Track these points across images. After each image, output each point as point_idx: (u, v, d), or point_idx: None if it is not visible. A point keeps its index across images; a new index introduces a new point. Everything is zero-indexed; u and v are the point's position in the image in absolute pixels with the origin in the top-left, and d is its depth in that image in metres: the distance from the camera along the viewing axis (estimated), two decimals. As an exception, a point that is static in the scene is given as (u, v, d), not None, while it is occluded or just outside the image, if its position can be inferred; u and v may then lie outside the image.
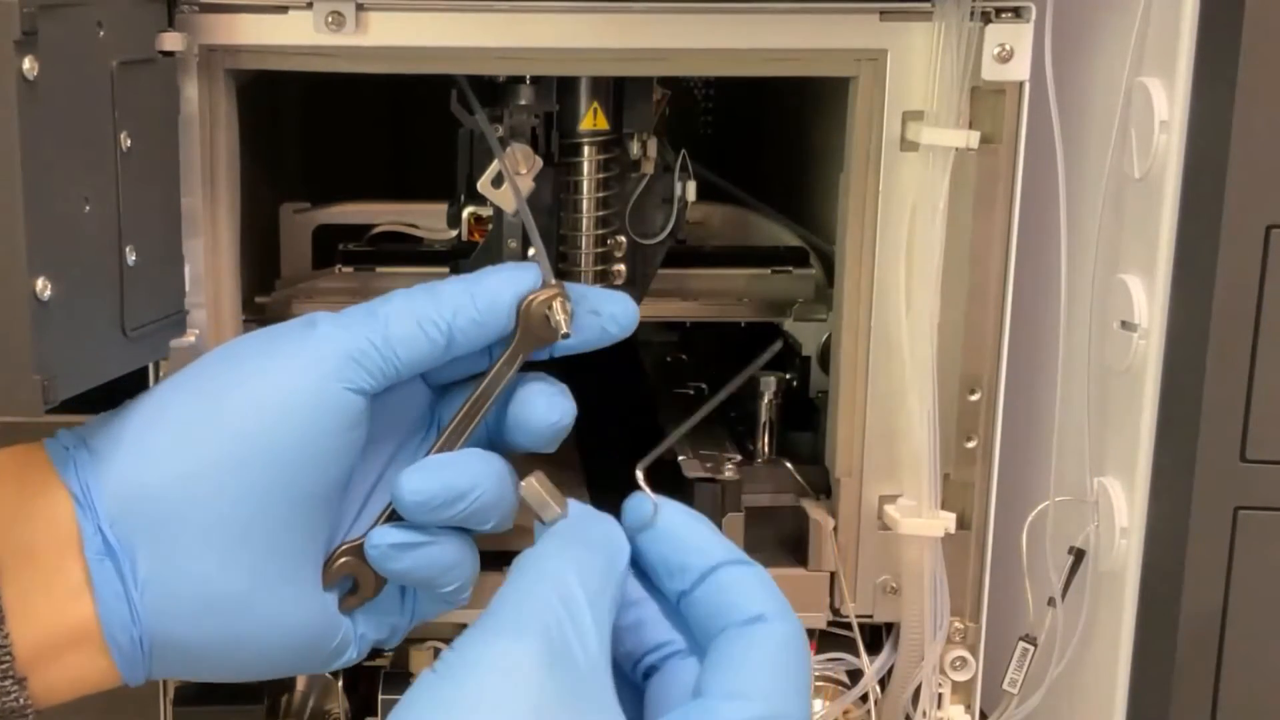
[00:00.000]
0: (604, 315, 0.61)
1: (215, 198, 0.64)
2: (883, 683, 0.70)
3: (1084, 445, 0.68)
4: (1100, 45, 0.68)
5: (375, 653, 0.63)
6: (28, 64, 0.49)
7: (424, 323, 0.57)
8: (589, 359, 0.71)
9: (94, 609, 0.55)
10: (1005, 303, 0.67)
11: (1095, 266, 0.67)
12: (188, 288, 0.63)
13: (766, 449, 0.75)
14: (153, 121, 0.59)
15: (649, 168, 0.70)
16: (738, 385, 0.69)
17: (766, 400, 0.75)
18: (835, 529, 0.69)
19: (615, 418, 0.89)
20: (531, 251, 0.69)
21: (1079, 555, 0.68)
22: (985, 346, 0.67)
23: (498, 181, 0.67)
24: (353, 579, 0.59)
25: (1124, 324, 0.65)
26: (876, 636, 0.70)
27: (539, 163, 0.67)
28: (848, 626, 0.69)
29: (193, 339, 0.64)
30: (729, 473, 0.71)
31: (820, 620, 0.70)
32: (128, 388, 0.59)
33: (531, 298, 0.59)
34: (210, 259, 0.64)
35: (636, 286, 0.71)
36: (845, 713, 0.70)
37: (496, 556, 0.64)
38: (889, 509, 0.68)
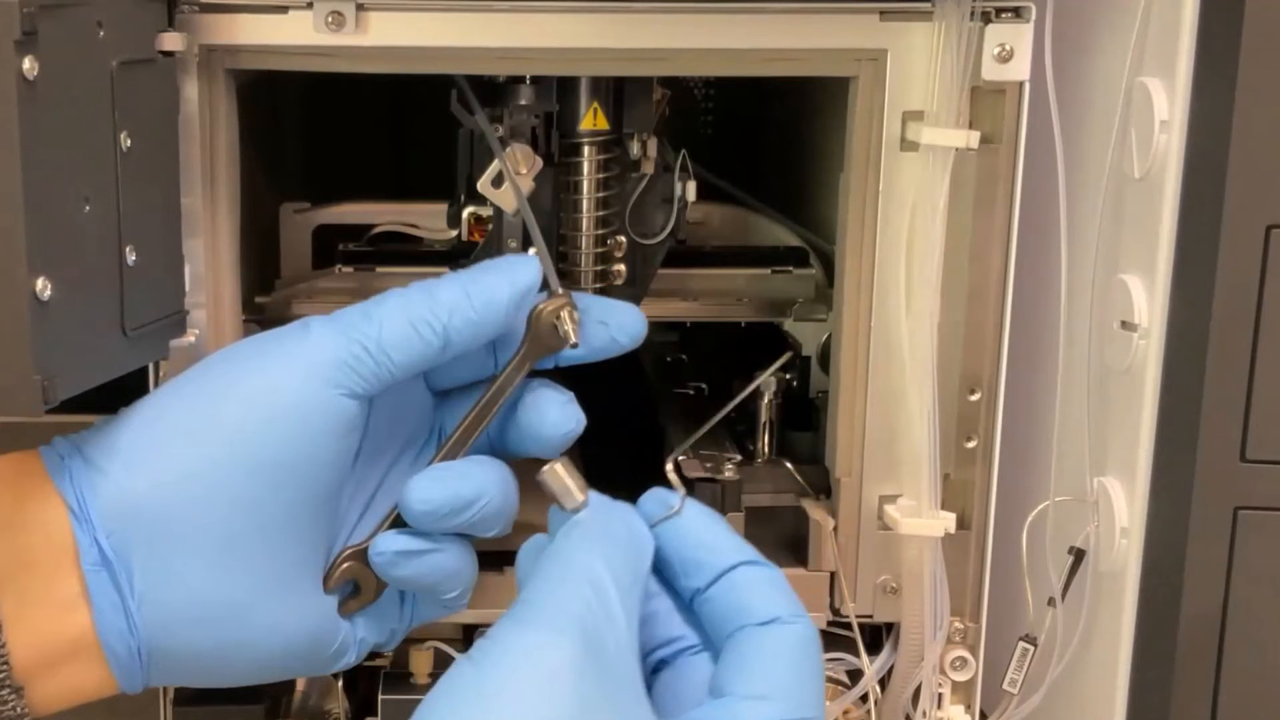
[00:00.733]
0: (612, 325, 0.61)
1: (215, 198, 0.64)
2: (883, 683, 0.70)
3: (1084, 445, 0.68)
4: (1100, 45, 0.68)
5: (375, 653, 0.63)
6: (28, 64, 0.49)
7: (419, 324, 0.57)
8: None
9: (91, 620, 0.55)
10: (1005, 303, 0.67)
11: (1095, 266, 0.67)
12: (188, 288, 0.63)
13: (766, 449, 0.75)
14: (153, 121, 0.59)
15: (649, 168, 0.70)
16: (748, 391, 0.69)
17: (766, 400, 0.75)
18: (835, 529, 0.69)
19: (615, 418, 0.89)
20: (532, 251, 0.69)
21: (1079, 555, 0.68)
22: (985, 346, 0.67)
23: (498, 181, 0.67)
24: (354, 583, 0.59)
25: (1124, 324, 0.65)
26: (876, 636, 0.70)
27: (539, 163, 0.67)
28: (848, 626, 0.69)
29: (193, 339, 0.64)
30: (729, 473, 0.71)
31: (820, 620, 0.70)
32: (128, 388, 0.59)
33: (541, 307, 0.59)
34: (210, 259, 0.64)
35: (636, 286, 0.72)
36: (845, 713, 0.70)
37: (496, 556, 0.65)
38: (889, 509, 0.68)
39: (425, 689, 0.68)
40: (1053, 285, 0.69)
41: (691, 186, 0.71)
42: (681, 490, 0.56)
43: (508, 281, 0.58)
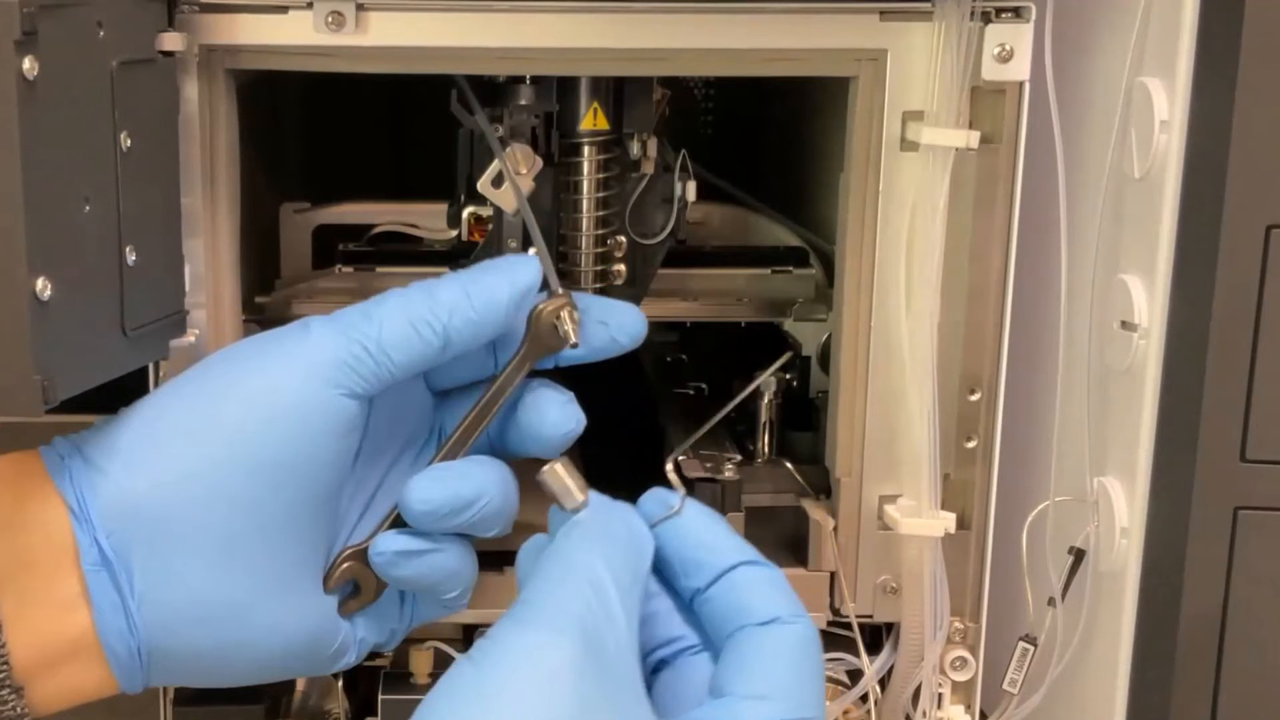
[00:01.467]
0: (612, 325, 0.61)
1: (215, 198, 0.64)
2: (883, 683, 0.70)
3: (1084, 445, 0.68)
4: (1100, 45, 0.68)
5: (375, 653, 0.63)
6: (28, 64, 0.49)
7: (419, 324, 0.57)
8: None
9: (91, 620, 0.55)
10: (1005, 303, 0.67)
11: (1095, 266, 0.67)
12: (188, 288, 0.63)
13: (766, 449, 0.75)
14: (153, 121, 0.59)
15: (649, 168, 0.70)
16: (748, 392, 0.69)
17: (766, 400, 0.75)
18: (835, 529, 0.69)
19: (615, 418, 0.89)
20: (532, 250, 0.69)
21: (1079, 555, 0.68)
22: (985, 346, 0.67)
23: (498, 181, 0.67)
24: (354, 583, 0.59)
25: (1124, 324, 0.65)
26: (876, 636, 0.70)
27: (539, 163, 0.67)
28: (848, 626, 0.69)
29: (193, 339, 0.64)
30: (729, 473, 0.71)
31: (820, 620, 0.70)
32: (128, 388, 0.59)
33: (541, 307, 0.59)
34: (210, 259, 0.64)
35: (636, 286, 0.71)
36: (845, 713, 0.70)
37: (496, 556, 0.65)
38: (889, 509, 0.68)
39: (425, 689, 0.68)
40: (1053, 285, 0.69)
41: (691, 186, 0.71)
42: (681, 490, 0.56)
43: (508, 281, 0.58)
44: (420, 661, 0.69)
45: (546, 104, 0.67)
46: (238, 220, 0.66)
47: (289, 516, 0.56)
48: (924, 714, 0.69)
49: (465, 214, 0.72)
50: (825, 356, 0.74)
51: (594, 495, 0.55)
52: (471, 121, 0.67)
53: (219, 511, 0.55)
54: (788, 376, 0.76)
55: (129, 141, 0.56)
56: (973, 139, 0.64)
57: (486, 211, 0.70)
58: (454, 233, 0.74)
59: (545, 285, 0.60)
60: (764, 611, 0.52)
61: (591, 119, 0.68)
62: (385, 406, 0.59)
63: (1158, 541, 0.64)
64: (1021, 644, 0.69)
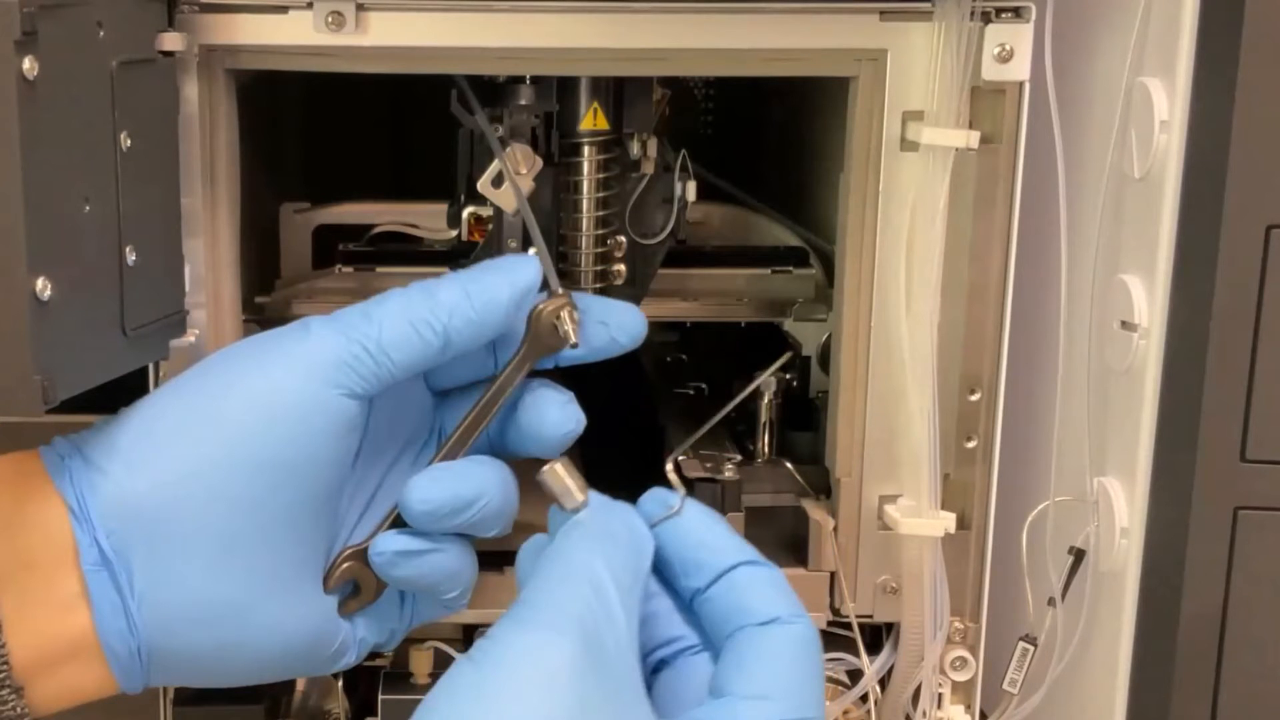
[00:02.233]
0: (612, 325, 0.61)
1: (215, 198, 0.64)
2: (883, 683, 0.70)
3: (1084, 445, 0.68)
4: (1100, 45, 0.68)
5: (375, 653, 0.63)
6: (28, 64, 0.49)
7: (419, 324, 0.57)
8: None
9: (91, 620, 0.55)
10: (1005, 303, 0.67)
11: (1095, 266, 0.67)
12: (188, 288, 0.63)
13: (766, 449, 0.75)
14: (153, 121, 0.59)
15: (649, 168, 0.70)
16: (749, 391, 0.69)
17: (766, 400, 0.75)
18: (835, 529, 0.69)
19: (615, 417, 0.89)
20: (532, 250, 0.69)
21: (1079, 555, 0.68)
22: (985, 346, 0.67)
23: (498, 181, 0.67)
24: (354, 583, 0.59)
25: (1124, 324, 0.65)
26: (876, 636, 0.70)
27: (539, 163, 0.67)
28: (848, 626, 0.69)
29: (193, 339, 0.64)
30: (729, 473, 0.71)
31: (820, 620, 0.70)
32: (128, 387, 0.59)
33: (541, 307, 0.59)
34: (210, 259, 0.64)
35: (636, 286, 0.71)
36: (845, 713, 0.70)
37: (496, 556, 0.64)
38: (889, 509, 0.68)
39: (425, 689, 0.68)
40: (1053, 285, 0.69)
41: (691, 186, 0.71)
42: (681, 490, 0.56)
43: (508, 281, 0.58)
44: (420, 661, 0.69)
45: (546, 104, 0.67)
46: (238, 220, 0.66)
47: (289, 516, 0.56)
48: (924, 714, 0.69)
49: (465, 214, 0.72)
50: (825, 356, 0.74)
51: (594, 495, 0.55)
52: (471, 121, 0.67)
53: (219, 511, 0.55)
54: (788, 376, 0.76)
55: (129, 141, 0.56)
56: (973, 139, 0.64)
57: (486, 211, 0.70)
58: (454, 233, 0.74)
59: (545, 285, 0.60)
60: (764, 611, 0.53)
61: (591, 119, 0.68)
62: (385, 406, 0.59)
63: (1158, 541, 0.64)
64: (1021, 644, 0.69)
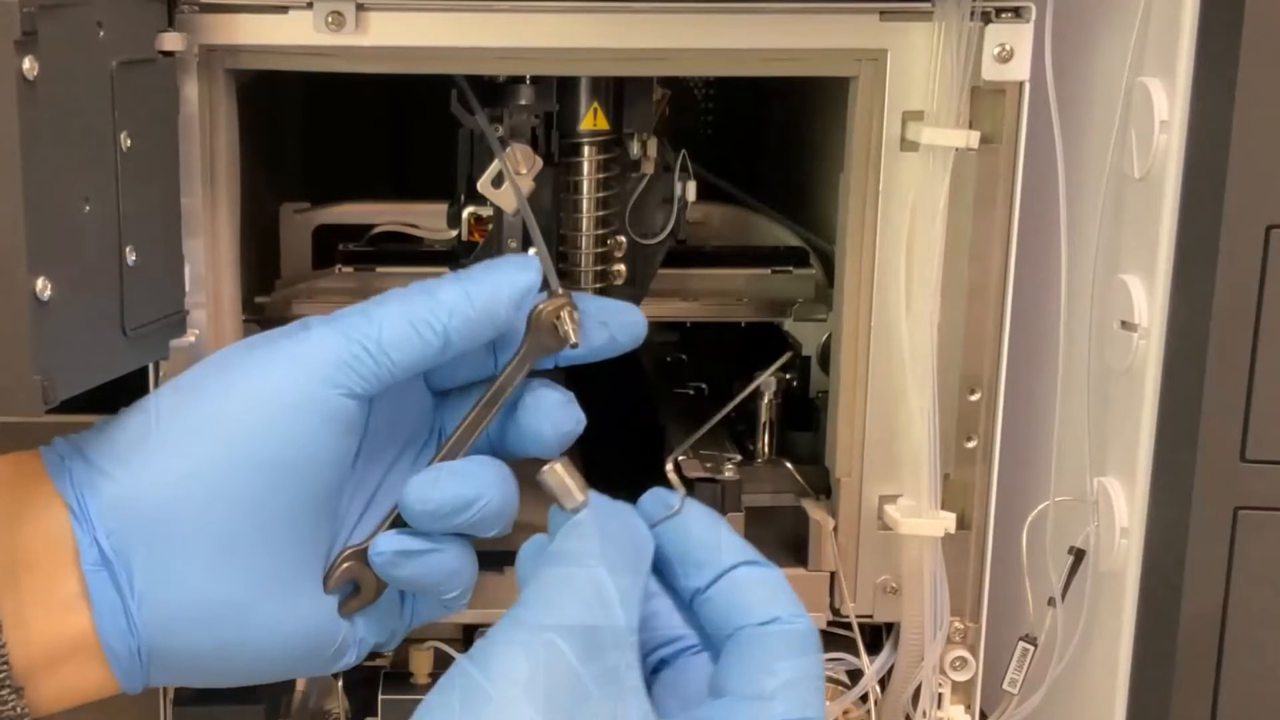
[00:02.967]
0: (613, 325, 0.61)
1: (215, 198, 0.64)
2: (883, 683, 0.70)
3: (1084, 445, 0.68)
4: (1100, 45, 0.68)
5: (375, 653, 0.63)
6: (28, 64, 0.49)
7: (419, 325, 0.57)
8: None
9: (91, 620, 0.55)
10: (1005, 303, 0.67)
11: (1095, 266, 0.67)
12: (188, 288, 0.63)
13: (766, 449, 0.75)
14: (153, 121, 0.59)
15: (649, 168, 0.70)
16: (749, 391, 0.69)
17: (766, 400, 0.75)
18: (835, 529, 0.69)
19: (615, 417, 0.89)
20: (532, 250, 0.69)
21: (1079, 555, 0.68)
22: (985, 346, 0.67)
23: (498, 181, 0.67)
24: (354, 583, 0.59)
25: (1124, 324, 0.65)
26: (876, 636, 0.70)
27: (539, 163, 0.67)
28: (848, 626, 0.69)
29: (193, 339, 0.64)
30: (729, 473, 0.71)
31: (820, 620, 0.70)
32: (128, 387, 0.60)
33: (541, 307, 0.59)
34: (210, 259, 0.64)
35: (636, 286, 0.71)
36: (845, 713, 0.70)
37: (496, 556, 0.64)
38: (889, 509, 0.68)
39: (425, 689, 0.68)
40: (1053, 285, 0.69)
41: (691, 186, 0.71)
42: (681, 490, 0.56)
43: (508, 282, 0.58)
44: (420, 661, 0.69)
45: (546, 104, 0.67)
46: (238, 220, 0.66)
47: (289, 516, 0.56)
48: (924, 714, 0.69)
49: (465, 214, 0.72)
50: (825, 356, 0.74)
51: (594, 495, 0.55)
52: (471, 121, 0.67)
53: (219, 511, 0.55)
54: (788, 376, 0.76)
55: (129, 141, 0.56)
56: (973, 139, 0.64)
57: (486, 211, 0.70)
58: (454, 233, 0.74)
59: (545, 285, 0.60)
60: (764, 612, 0.53)
61: (591, 119, 0.68)
62: (385, 406, 0.59)
63: (1158, 541, 0.64)
64: (1021, 644, 0.69)
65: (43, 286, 0.50)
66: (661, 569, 0.55)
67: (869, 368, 0.67)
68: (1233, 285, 0.60)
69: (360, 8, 0.62)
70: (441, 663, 0.69)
